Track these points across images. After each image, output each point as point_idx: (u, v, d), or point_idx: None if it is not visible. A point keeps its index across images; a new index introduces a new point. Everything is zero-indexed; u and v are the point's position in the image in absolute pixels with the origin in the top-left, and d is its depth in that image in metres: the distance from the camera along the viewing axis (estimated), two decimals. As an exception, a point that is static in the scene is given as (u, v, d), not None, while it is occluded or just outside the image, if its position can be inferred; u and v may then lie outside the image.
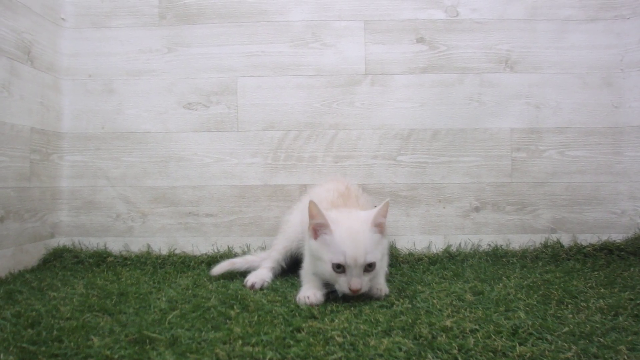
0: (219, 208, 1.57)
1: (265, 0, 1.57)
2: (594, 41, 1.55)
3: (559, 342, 0.79)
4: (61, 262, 1.46)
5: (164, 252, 1.54)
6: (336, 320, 0.90)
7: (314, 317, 0.93)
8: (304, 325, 0.87)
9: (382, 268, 1.08)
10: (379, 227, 1.04)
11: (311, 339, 0.81)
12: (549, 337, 0.81)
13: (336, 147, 1.56)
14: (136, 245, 1.56)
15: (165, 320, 0.90)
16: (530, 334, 0.83)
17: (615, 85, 1.56)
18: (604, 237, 1.55)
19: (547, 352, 0.76)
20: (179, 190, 1.57)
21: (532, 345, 0.78)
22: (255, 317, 0.92)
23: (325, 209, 1.04)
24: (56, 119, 1.56)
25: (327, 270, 1.00)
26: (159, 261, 1.46)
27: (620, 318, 0.90)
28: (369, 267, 1.00)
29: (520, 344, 0.78)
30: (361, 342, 0.80)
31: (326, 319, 0.91)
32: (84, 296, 1.08)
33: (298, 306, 1.00)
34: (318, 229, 1.03)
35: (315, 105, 1.57)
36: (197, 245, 1.56)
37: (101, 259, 1.48)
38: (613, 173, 1.56)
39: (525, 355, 0.74)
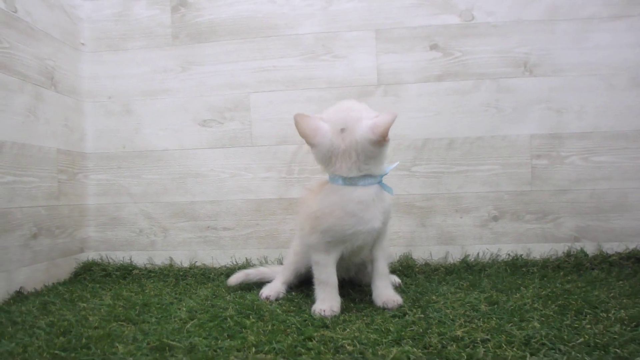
0: (236, 222, 1.60)
1: (275, 15, 1.56)
2: (619, 40, 1.47)
3: (573, 352, 0.77)
4: (90, 275, 1.54)
5: (185, 264, 1.60)
6: (347, 330, 0.92)
7: (326, 326, 0.95)
8: (315, 334, 0.89)
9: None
10: None
11: (322, 347, 0.83)
12: (562, 347, 0.80)
13: (349, 160, 1.55)
14: (159, 258, 1.62)
15: (184, 330, 0.95)
16: (543, 344, 0.81)
17: (644, 86, 1.47)
18: (632, 245, 1.48)
19: (559, 363, 0.74)
20: (197, 205, 1.61)
21: (544, 356, 0.77)
22: (269, 326, 0.94)
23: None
24: (80, 140, 1.63)
25: None
26: (181, 273, 1.52)
27: (641, 329, 0.87)
28: None
29: (531, 354, 0.77)
30: (370, 350, 0.81)
31: (338, 328, 0.93)
32: (110, 307, 1.14)
33: (312, 316, 1.01)
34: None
35: (328, 118, 1.56)
36: (216, 257, 1.60)
37: (127, 271, 1.55)
38: (640, 179, 1.49)
39: (536, 366, 0.73)
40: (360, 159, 1.03)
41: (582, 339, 0.82)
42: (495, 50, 1.51)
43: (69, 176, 1.56)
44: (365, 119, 1.03)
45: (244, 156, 1.59)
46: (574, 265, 1.43)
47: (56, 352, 0.84)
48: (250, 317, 1.02)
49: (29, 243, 1.36)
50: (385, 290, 1.10)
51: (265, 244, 1.60)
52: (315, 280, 1.09)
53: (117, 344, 0.87)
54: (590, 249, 1.50)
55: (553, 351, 0.79)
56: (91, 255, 1.64)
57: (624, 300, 1.05)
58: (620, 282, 1.23)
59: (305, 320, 0.98)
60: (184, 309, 1.10)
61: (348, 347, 0.82)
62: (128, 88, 1.62)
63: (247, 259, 1.59)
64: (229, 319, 1.00)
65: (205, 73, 1.59)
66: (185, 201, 1.62)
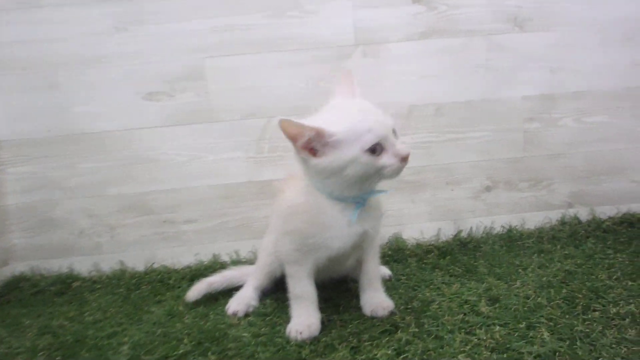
0: (199, 212, 1.36)
1: (230, -39, 1.30)
2: (611, -10, 1.37)
3: None
4: (18, 294, 1.25)
5: (140, 268, 1.35)
6: None
7: None
8: None
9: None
10: None
11: None
12: None
13: (328, 133, 1.35)
14: (108, 263, 1.35)
15: None
16: None
17: (636, 40, 1.39)
18: (624, 209, 1.43)
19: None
20: (150, 196, 1.35)
21: None
22: None
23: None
24: (-11, 125, 1.29)
25: (363, 163, 0.79)
26: (134, 281, 1.27)
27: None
28: (394, 133, 0.83)
29: None
30: None
31: None
32: (29, 352, 0.89)
33: (287, 341, 0.85)
34: (314, 142, 0.80)
35: (300, 86, 1.34)
36: (178, 256, 1.36)
37: (65, 285, 1.28)
38: (634, 139, 1.42)
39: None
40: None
41: (600, 358, 0.71)
42: (483, 3, 1.35)
43: (-21, 171, 1.24)
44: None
45: (203, 134, 1.34)
46: (569, 234, 1.35)
47: None
48: (210, 353, 0.82)
49: None
50: (375, 295, 0.95)
51: (237, 236, 1.37)
52: (290, 295, 0.92)
53: None
54: (583, 214, 1.43)
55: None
56: (18, 267, 1.33)
57: (629, 284, 0.98)
58: (618, 254, 1.17)
59: (279, 351, 0.81)
60: (126, 347, 0.87)
61: None
62: (50, 56, 1.29)
63: (215, 255, 1.36)
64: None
65: (148, 34, 1.30)
66: (134, 192, 1.34)
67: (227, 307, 1.02)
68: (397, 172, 0.81)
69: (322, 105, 1.31)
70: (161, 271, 1.31)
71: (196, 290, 1.08)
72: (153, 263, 1.35)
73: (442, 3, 1.35)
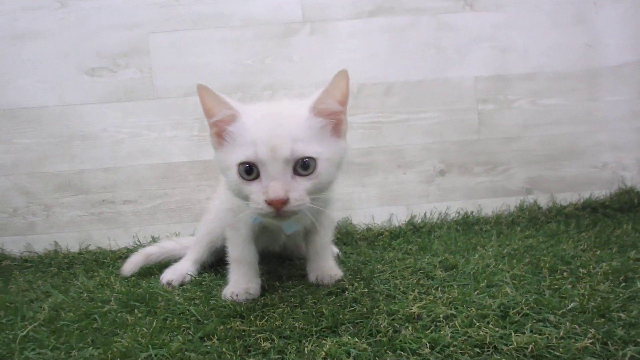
0: (138, 193, 1.31)
1: (175, -64, 1.30)
2: (562, -30, 1.36)
3: (568, 324, 0.59)
4: (-56, 272, 1.19)
5: (75, 249, 1.28)
6: (267, 318, 0.69)
7: (238, 315, 0.72)
8: (220, 327, 0.66)
9: (332, 204, 0.73)
10: (329, 116, 0.69)
11: (224, 348, 0.60)
12: (551, 317, 0.62)
13: (274, 111, 1.32)
14: (41, 244, 1.29)
15: (23, 338, 0.67)
16: (526, 315, 0.63)
17: (588, 22, 1.37)
18: (585, 195, 1.37)
19: (555, 340, 0.56)
20: (88, 174, 1.30)
21: (533, 332, 0.58)
22: (159, 323, 0.70)
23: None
24: None
25: (233, 179, 0.65)
26: (66, 261, 1.20)
27: (638, 283, 0.72)
28: (304, 168, 0.64)
29: (515, 331, 0.58)
30: (294, 346, 0.60)
31: (253, 317, 0.70)
32: None
33: (222, 303, 0.78)
34: (223, 128, 0.68)
35: (246, 62, 1.32)
36: (115, 238, 1.30)
37: (-5, 263, 1.22)
38: (591, 122, 1.38)
39: (527, 349, 0.55)
40: None
41: (573, 304, 0.65)
42: (432, -18, 1.34)
43: None
44: None
45: (144, 111, 1.31)
46: (529, 219, 1.30)
47: None
48: (137, 310, 0.77)
49: None
50: (322, 263, 0.88)
51: (177, 218, 1.32)
52: (229, 259, 0.86)
53: None
54: (543, 200, 1.37)
55: (541, 324, 0.61)
56: (-53, 245, 1.28)
57: (597, 252, 0.92)
58: (583, 233, 1.11)
59: (212, 310, 0.75)
60: (47, 307, 0.81)
61: (264, 344, 0.61)
62: (-13, 28, 1.28)
63: (153, 237, 1.30)
64: (103, 317, 0.75)
65: (91, 9, 1.29)
66: (72, 170, 1.30)
67: (161, 277, 0.96)
68: (263, 214, 0.63)
69: (270, 81, 1.31)
70: (96, 252, 1.25)
71: (132, 263, 1.01)
72: (89, 244, 1.29)
73: (390, -18, 1.34)
